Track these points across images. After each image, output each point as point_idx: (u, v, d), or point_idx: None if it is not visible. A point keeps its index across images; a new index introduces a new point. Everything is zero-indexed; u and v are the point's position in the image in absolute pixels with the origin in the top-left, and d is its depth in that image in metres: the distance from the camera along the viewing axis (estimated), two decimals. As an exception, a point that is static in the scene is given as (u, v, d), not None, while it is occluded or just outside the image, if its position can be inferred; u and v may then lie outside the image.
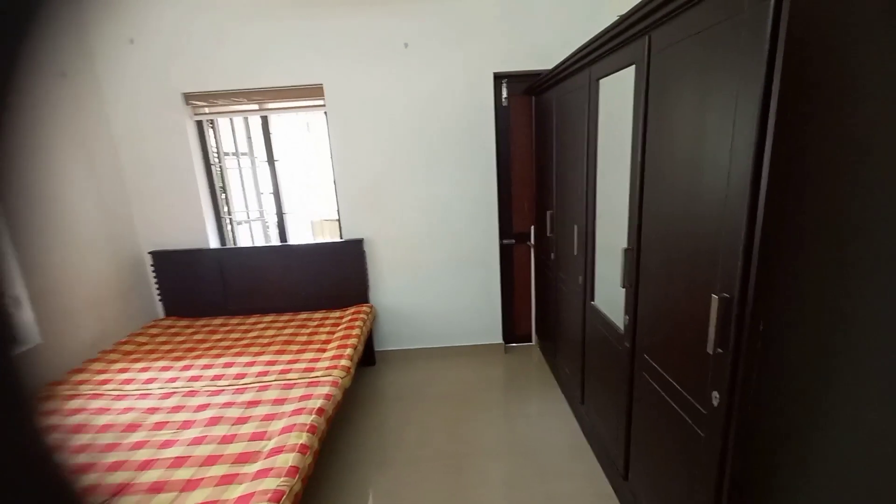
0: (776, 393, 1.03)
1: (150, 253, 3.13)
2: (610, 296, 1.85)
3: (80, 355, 2.56)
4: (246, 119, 3.44)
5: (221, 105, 3.08)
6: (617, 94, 1.67)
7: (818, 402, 1.00)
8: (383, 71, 2.92)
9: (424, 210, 3.13)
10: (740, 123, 0.98)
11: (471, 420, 2.54)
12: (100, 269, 2.82)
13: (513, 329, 3.42)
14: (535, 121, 3.05)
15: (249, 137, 3.52)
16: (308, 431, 1.74)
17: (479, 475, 2.11)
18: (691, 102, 1.18)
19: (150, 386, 2.22)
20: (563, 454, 2.22)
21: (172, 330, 2.94)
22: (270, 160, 3.31)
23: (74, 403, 2.07)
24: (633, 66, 1.49)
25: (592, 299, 2.06)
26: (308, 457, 1.64)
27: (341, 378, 2.20)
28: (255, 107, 3.13)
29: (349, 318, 2.90)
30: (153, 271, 3.15)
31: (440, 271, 3.23)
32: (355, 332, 2.68)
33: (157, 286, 3.18)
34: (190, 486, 1.51)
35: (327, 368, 2.26)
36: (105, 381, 2.27)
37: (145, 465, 1.62)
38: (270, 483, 1.46)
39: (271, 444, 1.68)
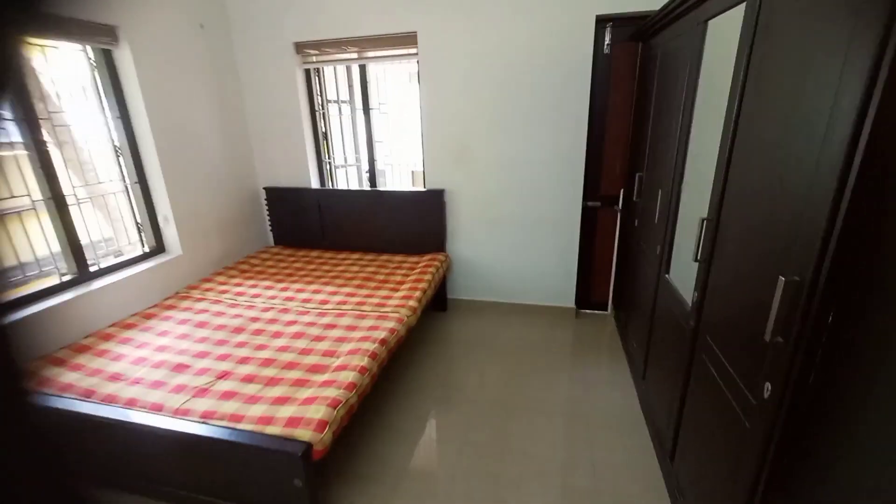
0: (835, 393, 0.90)
1: (264, 188, 3.59)
2: (684, 269, 1.71)
3: (209, 268, 3.12)
4: (348, 68, 3.63)
5: (326, 54, 3.29)
6: (723, 41, 1.44)
7: (882, 410, 0.86)
8: (477, 17, 2.83)
9: (508, 165, 3.08)
10: (847, 80, 0.80)
11: (530, 376, 2.60)
12: (226, 199, 3.33)
13: (588, 295, 3.31)
14: (640, 71, 2.74)
15: (350, 86, 3.72)
16: (369, 357, 1.96)
17: (528, 429, 2.18)
18: (797, 51, 0.99)
19: (255, 300, 2.65)
20: (616, 426, 2.18)
21: (278, 257, 3.41)
22: (366, 108, 3.50)
23: (201, 305, 2.57)
24: (743, 4, 1.27)
25: (667, 272, 1.90)
26: (366, 377, 1.86)
27: (407, 316, 2.39)
28: (355, 55, 3.28)
29: (424, 264, 3.07)
30: (266, 205, 3.63)
31: (518, 228, 3.20)
32: (427, 277, 2.84)
33: (269, 218, 3.67)
34: (272, 382, 1.83)
35: (396, 306, 2.46)
36: (224, 291, 2.76)
37: (244, 361, 1.99)
38: (332, 392, 1.70)
39: (338, 362, 1.94)
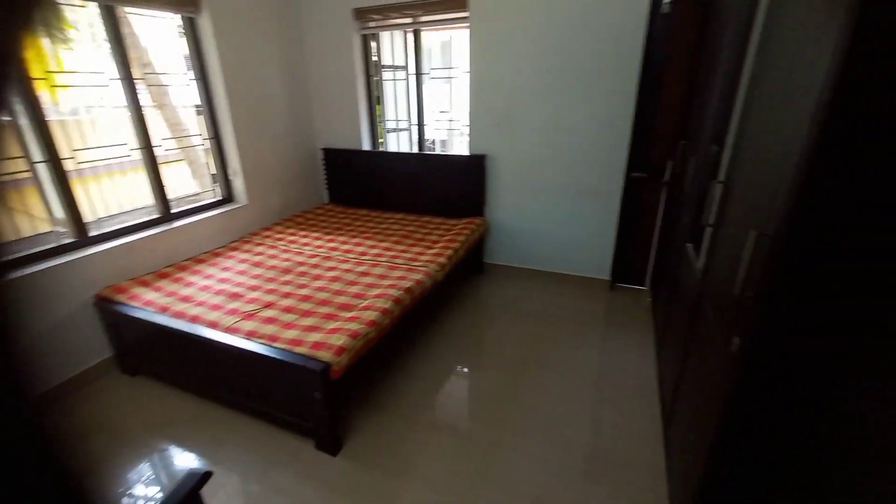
0: (801, 349, 0.91)
1: (322, 149, 3.88)
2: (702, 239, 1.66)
3: (269, 218, 3.49)
4: (405, 33, 3.73)
5: (382, 20, 3.41)
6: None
7: (847, 369, 0.85)
8: (528, -24, 2.78)
9: (551, 131, 3.05)
10: (825, 49, 0.78)
11: (554, 340, 2.66)
12: (287, 157, 3.65)
13: (626, 269, 3.24)
14: (699, 31, 2.55)
15: (406, 52, 3.83)
16: (393, 301, 2.15)
17: (542, 386, 2.27)
18: (798, 21, 0.94)
19: (304, 248, 2.95)
20: (628, 392, 2.20)
21: (331, 213, 3.71)
22: (418, 73, 3.60)
23: (259, 248, 2.92)
24: (775, -50, 1.18)
25: (688, 241, 1.85)
26: (386, 318, 2.05)
27: (434, 271, 2.54)
28: (410, 20, 3.36)
29: (460, 227, 3.19)
30: (323, 164, 3.92)
31: (558, 196, 3.19)
32: (461, 238, 2.96)
33: (325, 176, 3.97)
34: (307, 314, 2.09)
35: (426, 261, 2.63)
36: (280, 239, 3.10)
37: (286, 295, 2.28)
38: (354, 325, 1.92)
39: (365, 303, 2.15)
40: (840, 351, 0.88)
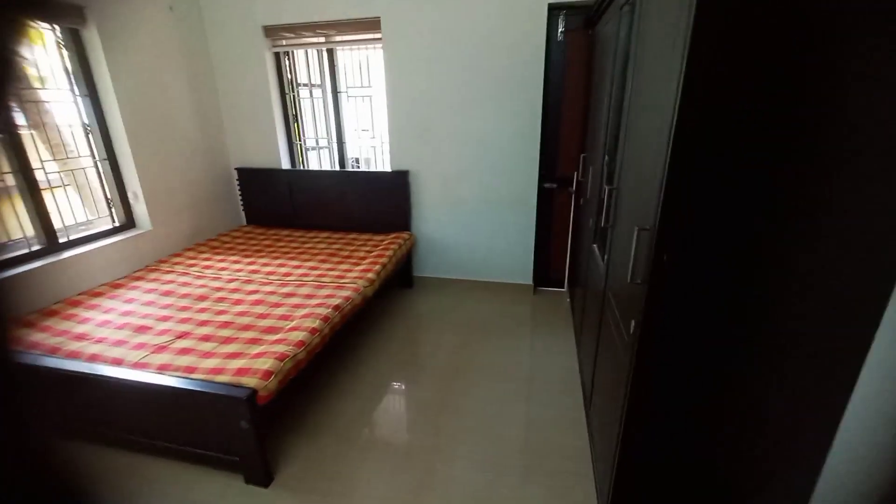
0: (687, 327, 1.07)
1: (236, 169, 3.69)
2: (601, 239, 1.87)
3: (179, 244, 3.23)
4: (320, 52, 3.71)
5: (295, 38, 3.37)
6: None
7: (727, 337, 1.02)
8: (436, 3, 2.93)
9: (469, 146, 3.21)
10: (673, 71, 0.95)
11: (483, 345, 2.76)
12: (198, 177, 3.43)
13: (546, 273, 3.47)
14: (591, 57, 2.88)
15: (322, 70, 3.81)
16: (321, 320, 2.11)
17: (473, 389, 2.34)
18: (656, 48, 1.13)
19: (222, 273, 2.77)
20: (554, 386, 2.35)
21: (249, 235, 3.53)
22: (335, 91, 3.60)
23: (169, 276, 2.69)
24: (638, -8, 1.41)
25: (594, 242, 2.07)
26: (316, 337, 2.00)
27: (363, 287, 2.53)
28: (323, 39, 3.37)
29: (387, 242, 3.21)
30: (238, 185, 3.73)
31: (479, 208, 3.35)
32: (388, 253, 2.99)
33: (241, 197, 3.77)
34: (228, 341, 1.97)
35: (354, 278, 2.61)
36: (192, 265, 2.88)
37: (203, 323, 2.13)
38: (281, 348, 1.85)
39: (292, 324, 2.08)
40: (718, 321, 1.06)
